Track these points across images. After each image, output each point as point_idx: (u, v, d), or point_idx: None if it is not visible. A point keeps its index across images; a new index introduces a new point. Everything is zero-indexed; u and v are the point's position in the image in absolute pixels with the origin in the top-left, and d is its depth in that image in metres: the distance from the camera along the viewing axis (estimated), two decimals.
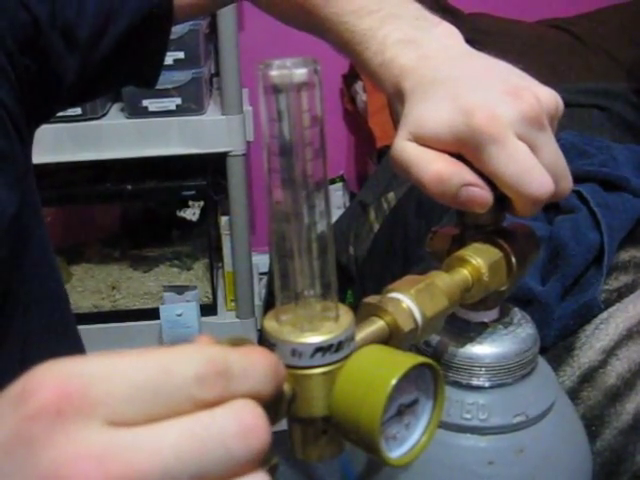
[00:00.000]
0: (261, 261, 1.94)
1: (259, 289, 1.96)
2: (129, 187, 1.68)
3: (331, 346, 0.32)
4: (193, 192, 1.70)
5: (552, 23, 1.77)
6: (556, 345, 0.83)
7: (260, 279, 2.01)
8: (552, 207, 0.97)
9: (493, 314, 0.49)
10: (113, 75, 0.77)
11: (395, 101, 0.51)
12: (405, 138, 0.46)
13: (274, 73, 0.30)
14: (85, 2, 0.70)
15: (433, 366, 0.33)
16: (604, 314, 0.81)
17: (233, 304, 1.84)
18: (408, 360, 0.31)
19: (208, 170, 1.76)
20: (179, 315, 1.73)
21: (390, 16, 0.53)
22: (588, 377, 0.76)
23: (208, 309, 1.83)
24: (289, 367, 0.32)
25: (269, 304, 1.69)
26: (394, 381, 0.30)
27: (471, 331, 0.48)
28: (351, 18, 0.55)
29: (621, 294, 0.83)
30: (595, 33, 1.68)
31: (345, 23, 0.55)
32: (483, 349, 0.48)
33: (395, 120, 1.60)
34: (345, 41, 0.56)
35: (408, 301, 0.39)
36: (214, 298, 1.85)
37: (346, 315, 0.34)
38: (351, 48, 0.55)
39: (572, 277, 0.86)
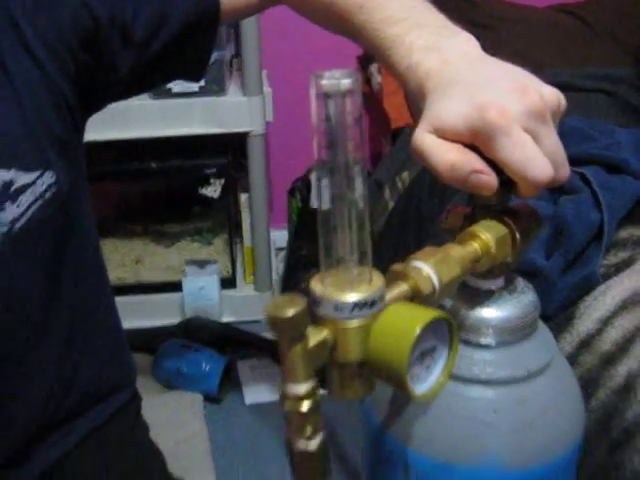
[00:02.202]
0: (278, 237, 2.01)
1: (276, 264, 2.04)
2: (153, 165, 1.76)
3: (366, 303, 0.40)
4: (214, 170, 1.78)
5: (561, 8, 1.83)
6: (558, 315, 0.91)
7: (277, 254, 2.08)
8: (557, 188, 1.04)
9: (499, 282, 0.57)
10: (163, 71, 0.86)
11: (418, 99, 0.58)
12: (425, 130, 0.53)
13: (324, 82, 0.37)
14: (141, 5, 0.78)
15: (449, 320, 0.40)
16: (602, 287, 0.89)
17: (252, 277, 1.92)
18: (429, 314, 0.39)
19: (229, 149, 1.83)
20: (201, 288, 1.81)
21: (416, 25, 0.60)
22: (585, 343, 0.84)
23: (228, 282, 1.92)
24: (331, 320, 0.40)
25: (288, 277, 1.77)
26: (418, 330, 0.38)
27: (480, 297, 0.56)
28: (381, 26, 0.62)
29: (618, 269, 0.91)
30: (602, 18, 1.74)
31: (375, 30, 0.63)
32: (490, 312, 0.55)
33: (414, 114, 1.67)
34: (375, 45, 0.63)
35: (428, 268, 0.46)
36: (233, 272, 1.94)
37: (378, 279, 0.42)
38: (380, 52, 0.63)
39: (574, 253, 0.93)
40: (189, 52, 0.85)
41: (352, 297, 0.40)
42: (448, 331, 0.41)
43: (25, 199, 0.79)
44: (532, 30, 1.73)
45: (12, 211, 0.78)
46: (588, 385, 0.79)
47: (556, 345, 0.62)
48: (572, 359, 0.83)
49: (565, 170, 0.54)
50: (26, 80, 0.77)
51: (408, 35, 0.60)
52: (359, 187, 0.39)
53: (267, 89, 1.73)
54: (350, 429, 1.55)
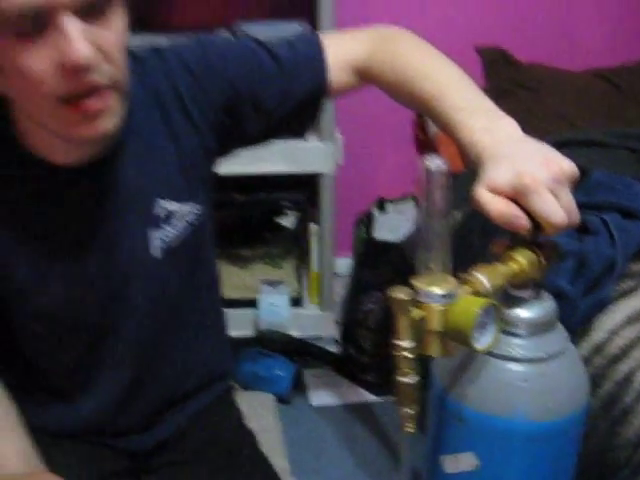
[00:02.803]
0: (338, 264, 2.28)
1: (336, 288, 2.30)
2: (238, 197, 2.05)
3: (447, 295, 0.67)
4: (291, 203, 2.06)
5: (596, 73, 2.09)
6: (577, 328, 1.16)
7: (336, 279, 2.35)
8: (582, 229, 1.30)
9: (529, 292, 0.82)
10: (281, 131, 1.13)
11: (476, 165, 0.84)
12: (483, 187, 0.79)
13: (429, 164, 0.65)
14: (271, 84, 1.05)
15: (496, 305, 0.67)
16: (613, 307, 1.15)
17: (316, 299, 2.19)
18: (484, 300, 0.66)
19: (302, 185, 2.11)
20: (273, 305, 2.09)
21: (474, 111, 0.87)
22: (598, 349, 1.10)
23: (296, 302, 2.18)
24: (426, 304, 0.67)
25: (351, 299, 2.03)
26: (478, 309, 0.64)
27: (516, 301, 0.82)
28: (450, 111, 0.89)
29: (626, 294, 1.17)
30: (632, 84, 1.99)
31: (446, 114, 0.90)
32: (522, 312, 0.81)
33: (466, 164, 1.90)
34: (445, 124, 0.90)
35: (482, 277, 0.73)
36: (300, 293, 2.21)
37: (452, 281, 0.69)
38: (448, 129, 0.89)
39: (592, 280, 1.20)
40: (302, 118, 1.11)
41: (439, 291, 0.67)
42: (495, 312, 0.68)
43: (179, 223, 1.06)
44: (569, 92, 1.99)
45: (169, 232, 1.05)
46: (598, 379, 1.04)
47: (569, 340, 0.88)
48: (587, 361, 1.08)
49: (576, 218, 0.79)
50: (185, 137, 1.04)
51: (470, 120, 0.87)
52: (444, 225, 0.67)
53: (338, 136, 2.00)
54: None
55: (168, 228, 1.05)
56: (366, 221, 2.11)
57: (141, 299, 1.06)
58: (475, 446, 0.84)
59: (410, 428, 0.72)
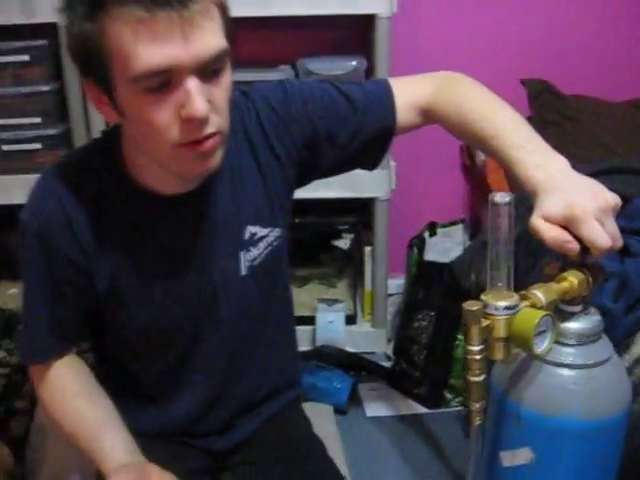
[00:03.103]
0: (392, 284, 2.40)
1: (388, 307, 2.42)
2: (296, 220, 2.19)
3: (511, 307, 0.80)
4: (347, 226, 2.20)
5: (635, 103, 2.20)
6: (621, 342, 1.28)
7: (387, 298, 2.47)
8: (625, 252, 1.42)
9: (579, 307, 0.95)
10: (352, 165, 1.27)
11: (532, 196, 0.96)
12: (538, 216, 0.91)
13: (496, 198, 0.78)
14: (345, 122, 1.18)
15: (552, 316, 0.80)
16: None
17: (369, 317, 2.32)
18: (543, 312, 0.79)
19: (357, 208, 2.25)
20: (330, 322, 2.22)
21: (531, 150, 1.00)
22: (638, 360, 1.21)
23: (350, 319, 2.31)
24: (492, 315, 0.80)
25: (405, 316, 2.15)
26: (538, 319, 0.77)
27: (567, 315, 0.94)
28: (507, 150, 1.02)
29: None
30: None
31: (504, 152, 1.02)
32: (573, 324, 0.93)
33: (514, 191, 1.99)
34: (503, 160, 1.03)
35: (539, 293, 0.86)
36: (354, 311, 2.34)
37: (515, 295, 0.82)
38: (506, 165, 1.02)
39: (633, 299, 1.31)
40: (371, 153, 1.24)
41: (503, 304, 0.80)
42: (552, 322, 0.81)
43: (262, 245, 1.20)
44: (609, 122, 2.09)
45: (254, 253, 1.19)
46: (638, 387, 1.16)
47: (613, 350, 1.00)
48: (629, 371, 1.20)
49: (619, 242, 0.92)
50: (270, 169, 1.18)
51: (526, 157, 1.00)
52: (510, 254, 0.80)
53: (392, 163, 2.14)
54: (453, 439, 1.91)
55: (253, 249, 1.19)
56: (418, 244, 2.23)
57: (228, 313, 1.20)
58: (530, 443, 0.97)
59: (478, 420, 0.85)
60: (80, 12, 0.93)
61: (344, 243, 2.22)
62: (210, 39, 0.93)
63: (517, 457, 0.97)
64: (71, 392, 1.17)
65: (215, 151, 1.00)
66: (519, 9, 2.33)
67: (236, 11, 1.01)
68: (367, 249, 2.25)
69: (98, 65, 0.94)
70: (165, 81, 0.93)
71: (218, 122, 0.98)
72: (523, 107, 2.11)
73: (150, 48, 0.90)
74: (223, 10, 0.97)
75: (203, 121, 0.95)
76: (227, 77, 0.99)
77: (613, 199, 0.93)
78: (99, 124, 2.04)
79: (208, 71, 0.95)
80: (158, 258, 1.13)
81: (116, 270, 1.12)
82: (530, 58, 2.34)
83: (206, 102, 0.94)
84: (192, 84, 0.93)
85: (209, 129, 0.96)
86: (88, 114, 2.06)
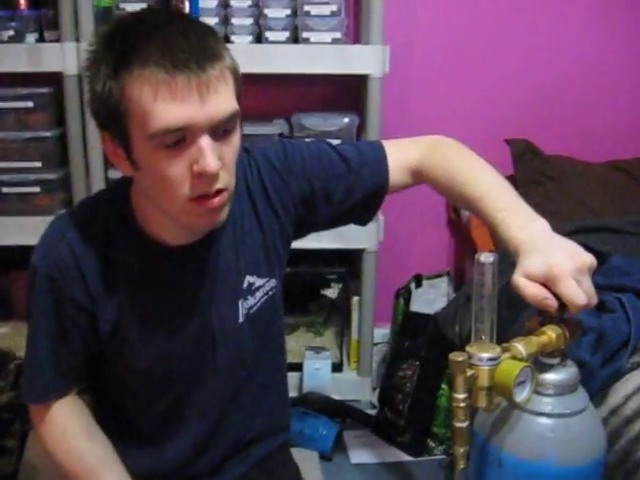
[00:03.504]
0: (378, 333, 2.46)
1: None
2: (287, 269, 2.25)
3: (493, 358, 0.86)
4: (335, 276, 2.26)
5: (614, 165, 2.29)
6: (597, 393, 1.34)
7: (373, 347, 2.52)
8: (602, 308, 1.48)
9: (557, 360, 1.01)
10: (345, 220, 1.33)
11: (514, 255, 1.03)
12: (520, 274, 0.98)
13: (481, 257, 0.85)
14: (340, 180, 1.25)
15: (531, 367, 0.86)
16: (627, 376, 1.33)
17: (355, 365, 2.37)
18: (522, 364, 0.85)
19: (346, 259, 2.32)
20: (317, 369, 2.27)
21: (514, 212, 1.06)
22: (614, 411, 1.27)
23: (336, 367, 2.36)
24: (477, 365, 0.86)
25: (391, 365, 2.19)
26: (517, 371, 0.84)
27: (546, 367, 1.00)
28: (492, 212, 1.09)
29: (639, 365, 1.35)
30: None
31: (488, 213, 1.09)
32: (551, 376, 0.99)
33: (497, 246, 2.05)
34: (487, 221, 1.10)
35: (520, 346, 0.92)
36: (341, 359, 2.39)
37: (497, 348, 0.88)
38: (490, 225, 1.09)
39: (609, 353, 1.37)
40: (364, 210, 1.31)
41: (487, 355, 0.86)
42: (531, 372, 0.87)
43: (259, 295, 1.26)
44: (590, 182, 2.18)
45: (250, 302, 1.25)
46: (614, 437, 1.22)
47: (589, 401, 1.06)
48: (605, 421, 1.26)
49: (594, 300, 0.98)
50: (268, 222, 1.24)
51: (509, 218, 1.06)
52: (493, 309, 0.87)
53: (381, 217, 2.21)
54: None
55: (250, 299, 1.25)
56: (405, 294, 2.30)
57: (224, 359, 1.24)
58: None
59: (462, 464, 0.91)
60: (104, 71, 1.00)
61: (332, 292, 2.28)
62: (224, 102, 1.00)
63: None
64: (71, 431, 1.20)
65: (223, 207, 1.06)
66: (505, 73, 2.44)
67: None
68: (354, 299, 2.31)
69: (118, 121, 1.01)
70: (180, 138, 0.99)
71: (227, 179, 1.05)
72: (507, 166, 2.20)
73: (168, 107, 0.97)
74: (236, 75, 1.04)
75: (214, 177, 1.01)
76: (237, 137, 1.06)
77: (590, 259, 0.99)
78: (98, 170, 2.12)
79: (220, 131, 1.02)
80: (161, 305, 1.18)
81: (121, 315, 1.16)
82: (514, 119, 2.44)
83: (217, 159, 1.01)
84: (205, 142, 1.00)
85: (219, 185, 1.03)
86: (87, 160, 2.13)
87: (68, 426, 1.21)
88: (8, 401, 1.99)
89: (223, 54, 1.02)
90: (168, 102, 0.97)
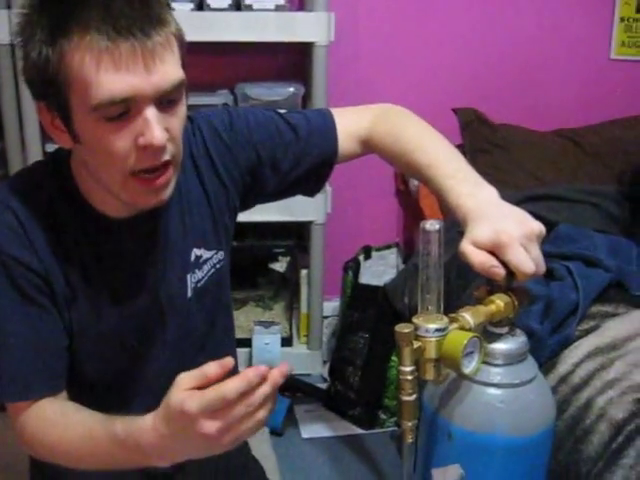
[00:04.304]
0: (327, 306, 2.44)
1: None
2: (234, 243, 2.21)
3: (440, 329, 0.84)
4: (283, 250, 2.23)
5: (561, 133, 2.30)
6: (546, 362, 1.33)
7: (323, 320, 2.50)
8: (550, 276, 1.48)
9: (505, 329, 0.99)
10: (293, 191, 1.29)
11: (462, 223, 1.00)
12: (467, 242, 0.95)
13: (426, 225, 0.82)
14: (288, 149, 1.21)
15: (479, 337, 0.84)
16: (576, 343, 1.32)
17: (305, 338, 2.35)
18: (471, 334, 0.83)
19: (293, 232, 2.29)
20: (266, 344, 2.24)
21: (461, 180, 1.04)
22: (563, 379, 1.27)
23: (285, 341, 2.34)
24: (423, 336, 0.83)
25: (340, 337, 2.18)
26: (465, 341, 0.81)
27: (494, 337, 0.98)
28: (440, 179, 1.06)
29: (588, 332, 1.35)
30: (593, 143, 2.20)
31: (437, 181, 1.07)
32: (500, 345, 0.97)
33: (445, 214, 2.04)
34: (435, 189, 1.07)
35: (467, 316, 0.90)
36: (290, 333, 2.36)
37: (445, 319, 0.86)
38: (438, 193, 1.07)
39: (558, 321, 1.37)
40: (313, 181, 1.27)
41: (434, 326, 0.84)
42: (479, 343, 0.85)
43: (206, 268, 1.22)
44: (537, 150, 2.19)
45: (198, 275, 1.21)
46: (563, 405, 1.21)
47: (539, 370, 1.05)
48: (554, 389, 1.25)
49: (542, 268, 0.97)
50: (215, 193, 1.20)
51: (457, 186, 1.04)
52: (439, 275, 0.84)
53: (328, 188, 2.18)
54: (387, 459, 1.95)
55: (198, 272, 1.20)
56: (353, 267, 2.28)
57: (173, 334, 1.20)
58: (460, 459, 1.00)
59: (410, 439, 0.88)
60: (39, 37, 0.93)
61: (280, 266, 2.25)
62: (170, 70, 0.95)
63: (448, 474, 1.00)
64: (60, 411, 1.09)
65: (168, 184, 1.02)
66: (453, 42, 2.42)
67: None
68: (303, 272, 2.28)
69: (56, 90, 0.95)
70: (124, 110, 0.94)
71: (173, 151, 1.00)
72: (455, 135, 2.18)
73: (112, 77, 0.91)
74: (181, 42, 0.99)
75: (161, 149, 0.97)
76: (182, 107, 1.01)
77: (538, 227, 0.98)
78: (35, 143, 2.04)
79: (165, 101, 0.96)
80: (108, 279, 1.13)
81: (69, 287, 1.10)
82: (462, 89, 2.42)
83: (164, 131, 0.96)
84: (151, 113, 0.94)
85: (165, 156, 0.98)
86: (23, 133, 2.05)
87: (67, 408, 1.09)
88: None
89: (168, 20, 0.96)
90: (112, 72, 0.91)
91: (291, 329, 2.36)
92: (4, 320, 1.08)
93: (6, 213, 1.06)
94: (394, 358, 2.03)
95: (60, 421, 1.08)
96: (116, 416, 1.02)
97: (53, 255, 1.08)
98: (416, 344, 0.84)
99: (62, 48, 0.92)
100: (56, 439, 1.07)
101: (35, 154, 2.04)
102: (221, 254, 1.24)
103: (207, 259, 1.22)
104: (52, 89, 0.95)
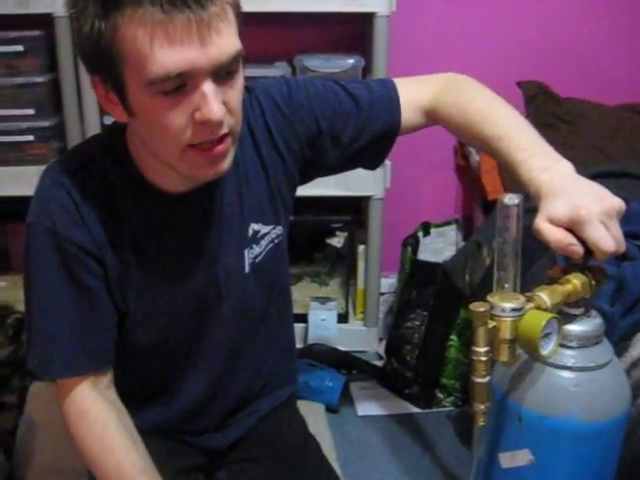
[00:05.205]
0: (384, 283, 2.40)
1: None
2: (290, 217, 2.18)
3: (517, 309, 0.80)
4: (341, 225, 2.20)
5: (629, 107, 2.21)
6: (618, 344, 1.28)
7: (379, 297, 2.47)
8: (620, 256, 1.42)
9: (581, 310, 0.95)
10: (354, 163, 1.26)
11: (535, 198, 0.96)
12: (542, 219, 0.92)
13: (505, 199, 0.78)
14: (349, 120, 1.18)
15: (558, 318, 0.80)
16: None
17: (361, 315, 2.32)
18: (548, 315, 0.79)
19: (351, 207, 2.25)
20: (322, 320, 2.22)
21: (535, 153, 1.00)
22: (635, 363, 1.21)
23: (341, 318, 2.31)
24: (499, 316, 0.80)
25: (398, 315, 2.14)
26: (544, 322, 0.77)
27: (570, 318, 0.94)
28: (512, 151, 1.02)
29: None
30: None
31: (508, 154, 1.02)
32: (575, 327, 0.94)
33: (508, 190, 1.97)
34: (507, 162, 1.03)
35: (544, 295, 0.86)
36: (346, 309, 2.34)
37: (521, 297, 0.82)
38: (510, 167, 1.02)
39: (630, 302, 1.32)
40: (374, 153, 1.24)
41: (510, 305, 0.80)
42: (558, 324, 0.81)
43: (264, 243, 1.20)
44: (604, 125, 2.10)
45: (256, 250, 1.19)
46: (636, 389, 1.16)
47: (614, 353, 1.00)
48: (627, 373, 1.20)
49: (622, 246, 0.92)
50: (273, 166, 1.17)
51: (530, 159, 1.00)
52: (517, 256, 0.80)
53: (387, 162, 2.14)
54: (444, 439, 1.92)
55: (256, 247, 1.18)
56: (412, 243, 2.23)
57: (230, 310, 1.19)
58: (530, 444, 0.97)
59: (482, 422, 0.85)
60: (92, 9, 0.90)
61: (337, 241, 2.22)
62: (227, 42, 0.92)
63: (517, 458, 0.97)
64: (112, 431, 1.09)
65: (226, 155, 0.99)
66: (517, 11, 2.34)
67: None
68: (360, 247, 2.25)
69: (110, 65, 0.92)
70: (180, 84, 0.91)
71: (232, 123, 0.98)
72: (519, 109, 2.10)
73: (167, 51, 0.88)
74: (237, 10, 0.95)
75: (218, 124, 0.94)
76: (240, 78, 0.98)
77: (618, 203, 0.93)
78: (93, 117, 2.03)
79: (223, 73, 0.94)
80: (165, 254, 1.12)
81: (124, 263, 1.09)
82: (527, 60, 2.34)
83: (222, 105, 0.94)
84: (208, 87, 0.92)
85: (223, 130, 0.96)
86: (82, 106, 2.05)
87: (109, 425, 1.09)
88: (7, 356, 1.95)
89: None
90: (166, 46, 0.88)
91: (347, 305, 2.34)
92: (51, 297, 1.08)
93: (60, 192, 1.05)
94: (453, 337, 1.99)
95: (97, 432, 1.09)
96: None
97: (107, 233, 1.07)
98: (491, 324, 0.81)
99: (115, 21, 0.89)
100: (87, 449, 1.09)
101: (93, 127, 2.04)
102: (279, 229, 1.22)
103: (265, 234, 1.20)
104: (106, 63, 0.93)
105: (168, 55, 0.88)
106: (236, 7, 0.95)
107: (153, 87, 0.91)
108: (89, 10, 0.91)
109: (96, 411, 1.10)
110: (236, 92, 0.97)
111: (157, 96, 0.92)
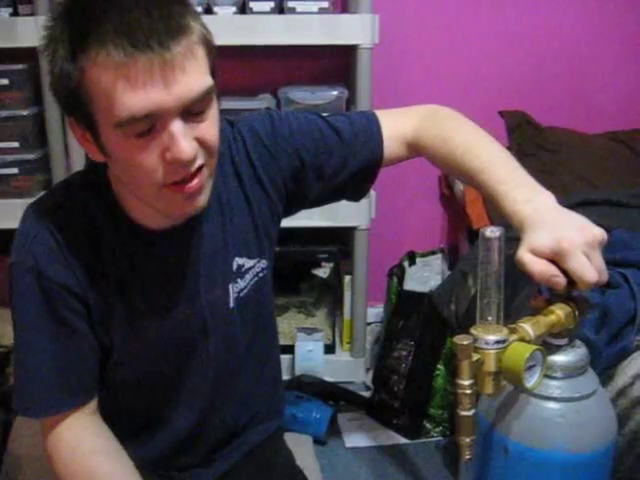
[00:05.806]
0: (371, 313, 2.40)
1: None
2: (276, 249, 2.18)
3: (501, 341, 0.80)
4: (326, 255, 2.20)
5: (612, 136, 2.23)
6: (603, 373, 1.28)
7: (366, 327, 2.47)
8: (605, 284, 1.42)
9: (565, 340, 0.95)
10: (337, 196, 1.26)
11: (518, 231, 0.97)
12: (525, 250, 0.92)
13: (487, 232, 0.78)
14: (333, 154, 1.18)
15: (542, 350, 0.80)
16: (634, 354, 1.27)
17: (348, 346, 2.31)
18: (532, 347, 0.79)
19: (336, 238, 2.25)
20: (309, 351, 2.21)
21: (517, 185, 1.01)
22: (621, 392, 1.22)
23: (328, 348, 2.30)
24: (483, 349, 0.80)
25: (384, 346, 2.14)
26: (527, 354, 0.77)
27: (554, 348, 0.95)
28: (494, 184, 1.03)
29: None
30: None
31: (491, 186, 1.03)
32: (559, 357, 0.94)
33: (492, 220, 1.95)
34: (489, 194, 1.04)
35: (527, 327, 0.86)
36: (333, 340, 2.33)
37: (504, 329, 0.82)
38: (493, 199, 1.03)
39: (615, 330, 1.32)
40: (358, 185, 1.24)
41: (494, 338, 0.80)
42: (542, 356, 0.81)
43: (248, 277, 1.19)
44: (586, 153, 2.12)
45: (241, 284, 1.18)
46: (622, 419, 1.16)
47: (599, 383, 1.01)
48: (613, 403, 1.20)
49: (605, 276, 0.93)
50: (256, 200, 1.17)
51: (512, 192, 1.00)
52: (500, 286, 0.80)
53: (372, 192, 2.15)
54: (433, 470, 1.91)
55: (240, 282, 1.18)
56: (398, 273, 2.24)
57: (216, 344, 1.18)
58: (517, 475, 0.96)
59: (468, 455, 0.84)
60: (61, 52, 0.91)
61: (323, 272, 2.22)
62: (194, 80, 0.91)
63: None
64: (83, 451, 1.08)
65: (202, 190, 0.99)
66: (498, 42, 2.37)
67: (219, 39, 0.99)
68: (346, 278, 2.25)
69: (81, 107, 0.92)
70: (150, 126, 0.91)
71: (206, 156, 0.97)
72: (501, 138, 2.13)
73: (131, 94, 0.88)
74: (208, 47, 0.95)
75: (189, 162, 0.94)
76: (213, 111, 0.97)
77: (600, 233, 0.94)
78: (78, 150, 2.03)
79: (195, 110, 0.93)
80: (149, 291, 1.11)
81: (108, 303, 1.09)
82: (509, 91, 2.37)
83: (192, 142, 0.93)
84: (177, 127, 0.91)
85: (195, 165, 0.95)
86: (67, 139, 2.06)
87: (79, 446, 1.08)
88: None
89: (190, 25, 0.92)
90: (130, 88, 0.87)
91: (334, 336, 2.33)
92: (33, 337, 1.07)
93: (43, 231, 1.05)
94: (440, 366, 1.99)
95: (87, 467, 1.06)
96: None
97: (90, 273, 1.06)
98: (475, 357, 0.81)
99: (82, 64, 0.89)
100: None
101: (78, 160, 2.03)
102: (264, 262, 1.21)
103: (249, 268, 1.19)
104: (77, 105, 0.93)
105: (132, 97, 0.88)
106: (206, 42, 0.95)
107: (123, 129, 0.91)
108: (59, 52, 0.91)
109: (83, 446, 1.08)
110: (210, 126, 0.96)
111: (127, 138, 0.91)
